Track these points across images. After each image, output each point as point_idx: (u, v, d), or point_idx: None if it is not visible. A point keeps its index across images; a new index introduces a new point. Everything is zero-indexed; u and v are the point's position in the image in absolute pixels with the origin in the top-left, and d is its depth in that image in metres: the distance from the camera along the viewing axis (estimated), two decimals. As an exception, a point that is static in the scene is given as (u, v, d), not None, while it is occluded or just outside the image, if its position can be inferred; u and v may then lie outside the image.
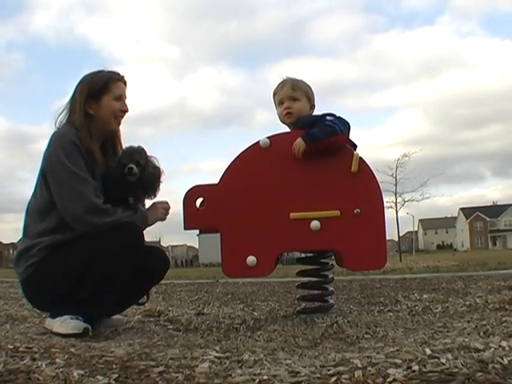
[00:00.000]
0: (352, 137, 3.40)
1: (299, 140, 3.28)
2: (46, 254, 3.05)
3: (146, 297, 3.47)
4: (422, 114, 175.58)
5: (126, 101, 3.35)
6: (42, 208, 3.12)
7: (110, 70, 3.33)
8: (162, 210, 3.32)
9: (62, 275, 3.03)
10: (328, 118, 3.31)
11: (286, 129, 3.55)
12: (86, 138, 3.14)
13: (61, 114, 3.26)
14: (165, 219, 3.34)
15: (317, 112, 3.54)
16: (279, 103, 3.54)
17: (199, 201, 3.40)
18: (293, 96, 3.50)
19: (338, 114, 3.36)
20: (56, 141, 3.10)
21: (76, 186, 3.03)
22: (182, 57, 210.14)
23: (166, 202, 3.36)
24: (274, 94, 3.59)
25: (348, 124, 3.34)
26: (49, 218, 3.10)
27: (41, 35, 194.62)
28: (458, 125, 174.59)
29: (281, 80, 3.59)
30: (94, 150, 3.18)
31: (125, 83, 3.35)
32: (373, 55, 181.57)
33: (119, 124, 3.34)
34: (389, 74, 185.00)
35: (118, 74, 3.32)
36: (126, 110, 3.32)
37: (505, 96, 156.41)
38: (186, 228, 3.38)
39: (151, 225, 3.30)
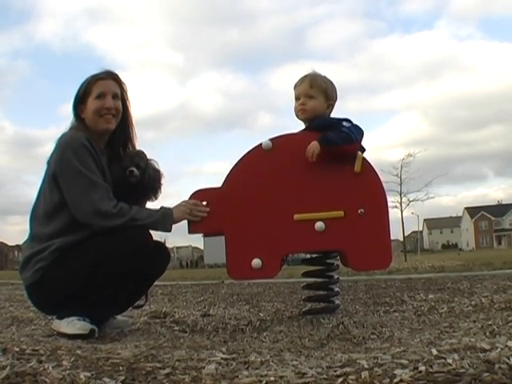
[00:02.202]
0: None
1: (314, 143, 3.27)
2: (55, 257, 3.05)
3: (144, 298, 3.45)
4: (422, 115, 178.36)
5: (113, 98, 3.29)
6: (50, 210, 3.13)
7: (105, 70, 3.35)
8: (187, 209, 3.28)
9: (70, 279, 3.03)
10: (345, 123, 3.32)
11: (295, 125, 3.57)
12: (90, 137, 3.17)
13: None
14: (189, 218, 3.31)
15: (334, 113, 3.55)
16: (296, 98, 3.54)
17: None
18: (309, 94, 3.49)
19: (354, 122, 3.36)
20: (66, 144, 3.11)
21: (86, 191, 3.05)
22: (185, 62, 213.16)
23: (197, 205, 3.33)
24: (294, 88, 3.59)
25: (363, 132, 3.35)
26: (56, 219, 3.10)
27: (46, 43, 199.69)
28: (458, 126, 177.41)
29: (305, 74, 3.58)
30: (101, 150, 3.23)
31: (114, 80, 3.34)
32: (373, 59, 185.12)
33: (108, 122, 3.28)
34: (389, 77, 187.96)
35: (99, 74, 3.31)
36: (110, 106, 3.25)
37: (504, 97, 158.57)
38: (190, 232, 3.38)
39: (177, 222, 3.27)
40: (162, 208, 3.25)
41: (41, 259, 3.07)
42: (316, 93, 3.49)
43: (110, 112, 3.26)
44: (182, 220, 3.30)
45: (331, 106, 3.54)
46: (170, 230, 3.23)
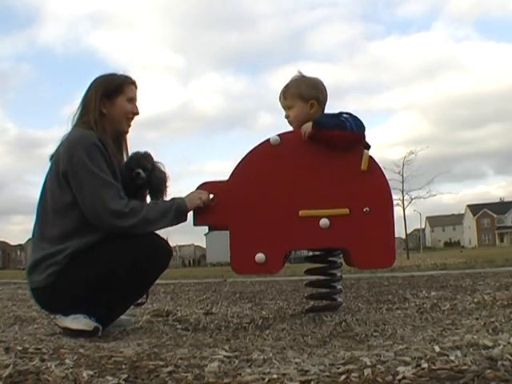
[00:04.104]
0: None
1: (308, 124, 3.29)
2: (69, 260, 3.03)
3: (145, 296, 3.45)
4: (420, 115, 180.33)
5: (137, 104, 3.39)
6: (59, 208, 3.08)
7: (122, 73, 3.38)
8: (199, 197, 3.30)
9: (83, 283, 3.01)
10: (344, 115, 3.31)
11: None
12: (102, 135, 3.16)
13: (76, 113, 3.29)
14: (199, 205, 3.30)
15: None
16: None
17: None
18: (287, 105, 3.51)
19: (354, 114, 3.34)
20: (77, 142, 3.09)
21: (98, 190, 3.02)
22: (186, 64, 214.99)
23: (207, 193, 3.34)
24: None
25: (362, 124, 3.31)
26: (66, 218, 3.07)
27: (49, 46, 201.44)
28: (456, 125, 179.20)
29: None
30: (111, 148, 3.21)
31: (136, 87, 3.41)
32: (371, 60, 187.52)
33: (129, 126, 3.37)
34: (387, 77, 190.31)
35: (131, 78, 3.38)
36: (137, 113, 3.38)
37: (502, 96, 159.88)
38: (195, 224, 3.38)
39: (190, 210, 3.29)
40: (174, 202, 3.23)
41: (54, 263, 3.03)
42: (291, 101, 3.49)
43: (133, 117, 3.37)
44: (193, 208, 3.31)
45: (315, 105, 3.46)
46: (185, 221, 3.27)
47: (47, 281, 3.03)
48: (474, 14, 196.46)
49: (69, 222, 3.08)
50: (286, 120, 3.55)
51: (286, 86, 3.54)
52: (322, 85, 3.55)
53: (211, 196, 3.35)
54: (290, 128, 3.51)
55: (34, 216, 3.22)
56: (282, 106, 3.55)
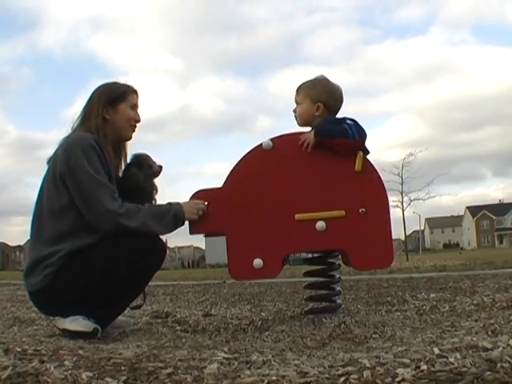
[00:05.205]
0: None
1: (309, 133, 3.30)
2: (64, 261, 3.03)
3: (142, 299, 3.44)
4: (418, 118, 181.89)
5: (139, 112, 3.44)
6: (56, 210, 3.09)
7: (124, 82, 3.43)
8: (196, 208, 3.29)
9: (80, 284, 3.01)
10: (348, 121, 3.31)
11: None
12: (103, 140, 3.18)
13: (77, 118, 3.32)
14: (195, 219, 3.30)
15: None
16: None
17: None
18: (297, 100, 3.54)
19: (358, 121, 3.34)
20: (75, 144, 3.11)
21: (95, 191, 3.03)
22: (185, 68, 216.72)
23: (202, 203, 3.34)
24: None
25: (364, 133, 3.31)
26: (62, 220, 3.08)
27: (49, 50, 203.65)
28: (454, 127, 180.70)
29: None
30: (110, 153, 3.23)
31: (137, 96, 3.45)
32: (368, 64, 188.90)
33: (133, 132, 3.41)
34: (384, 81, 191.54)
35: (133, 87, 3.43)
36: (139, 120, 3.41)
37: (500, 99, 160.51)
38: (191, 233, 3.37)
39: (187, 220, 3.28)
40: (172, 208, 3.22)
41: (49, 264, 3.03)
42: (301, 98, 3.51)
43: (136, 125, 3.42)
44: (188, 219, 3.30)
45: (321, 108, 3.45)
46: (182, 226, 3.28)
47: (43, 283, 3.04)
48: (471, 19, 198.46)
49: (64, 223, 3.08)
50: (291, 116, 3.58)
51: (303, 83, 3.56)
52: (339, 93, 3.55)
53: (205, 203, 3.35)
54: (284, 126, 3.55)
55: (30, 218, 3.23)
56: (295, 100, 3.57)
